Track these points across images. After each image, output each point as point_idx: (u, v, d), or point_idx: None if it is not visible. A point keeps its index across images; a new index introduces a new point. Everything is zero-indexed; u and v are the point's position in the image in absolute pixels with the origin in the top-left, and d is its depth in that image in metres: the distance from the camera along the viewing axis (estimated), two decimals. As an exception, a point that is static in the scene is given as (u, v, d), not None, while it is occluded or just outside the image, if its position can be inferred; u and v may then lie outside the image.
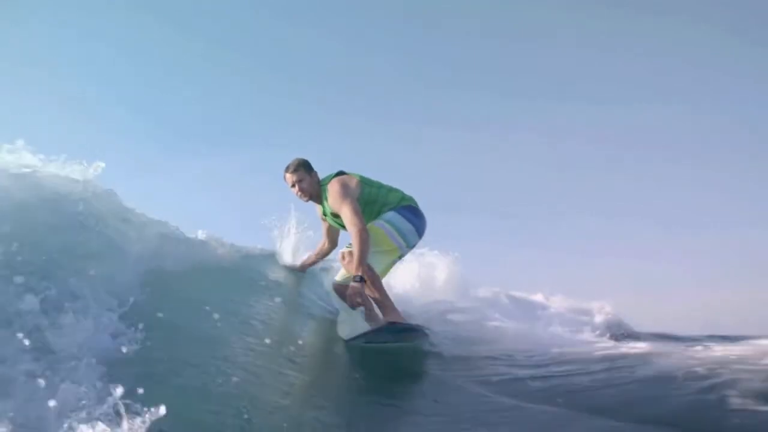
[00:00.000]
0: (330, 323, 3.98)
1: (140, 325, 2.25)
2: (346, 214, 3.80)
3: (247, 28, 17.09)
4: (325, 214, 4.25)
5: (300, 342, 3.24)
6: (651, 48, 16.56)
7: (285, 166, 4.11)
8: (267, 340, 2.95)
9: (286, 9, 16.95)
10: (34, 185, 2.72)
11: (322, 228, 4.57)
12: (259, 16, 16.76)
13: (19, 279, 2.05)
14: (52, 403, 1.51)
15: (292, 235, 4.89)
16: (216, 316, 2.80)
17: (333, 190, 3.93)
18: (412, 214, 4.05)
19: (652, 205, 14.84)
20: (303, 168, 4.08)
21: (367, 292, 3.73)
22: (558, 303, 7.64)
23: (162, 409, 1.55)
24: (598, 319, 6.63)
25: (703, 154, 15.93)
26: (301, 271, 4.87)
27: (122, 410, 1.52)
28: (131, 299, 2.45)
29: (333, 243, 4.62)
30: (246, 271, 4.36)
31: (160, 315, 2.54)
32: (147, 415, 1.54)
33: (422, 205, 4.12)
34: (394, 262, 4.14)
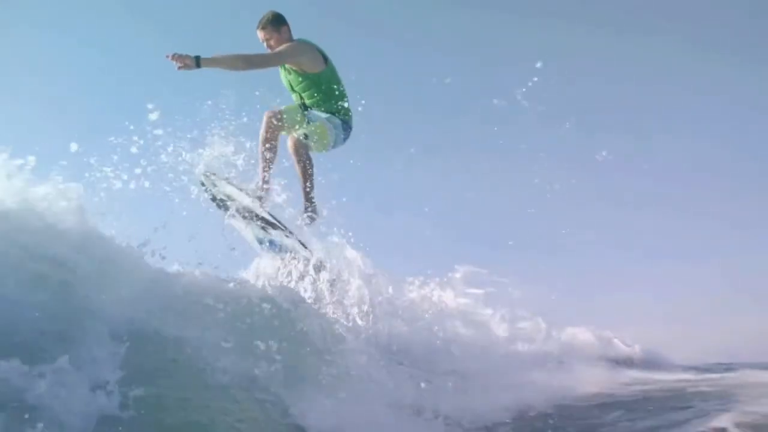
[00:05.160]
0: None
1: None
2: (274, 51, 4.17)
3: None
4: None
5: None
6: (673, 77, 16.59)
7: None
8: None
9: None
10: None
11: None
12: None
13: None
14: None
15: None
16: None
17: (288, 44, 4.23)
18: (345, 131, 4.54)
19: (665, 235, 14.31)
20: (271, 25, 4.28)
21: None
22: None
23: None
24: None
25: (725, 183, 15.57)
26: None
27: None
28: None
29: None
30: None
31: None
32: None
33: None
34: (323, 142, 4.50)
